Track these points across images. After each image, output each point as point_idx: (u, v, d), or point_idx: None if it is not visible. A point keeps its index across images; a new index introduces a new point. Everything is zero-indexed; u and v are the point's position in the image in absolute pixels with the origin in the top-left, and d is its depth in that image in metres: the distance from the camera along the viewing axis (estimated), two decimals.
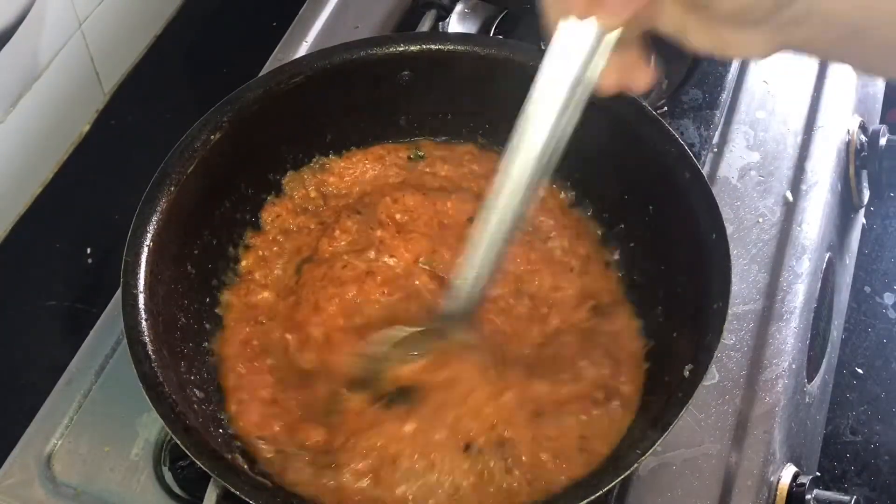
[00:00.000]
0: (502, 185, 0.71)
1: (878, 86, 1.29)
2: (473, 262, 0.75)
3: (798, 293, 0.98)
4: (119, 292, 0.81)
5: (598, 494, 0.73)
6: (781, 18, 0.60)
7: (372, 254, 0.92)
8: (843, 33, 0.61)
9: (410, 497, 0.80)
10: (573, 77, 0.64)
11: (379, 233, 0.93)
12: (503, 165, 0.70)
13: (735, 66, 1.13)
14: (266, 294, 0.93)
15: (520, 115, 0.68)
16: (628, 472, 0.74)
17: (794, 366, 0.94)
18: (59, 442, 0.90)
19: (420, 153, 1.01)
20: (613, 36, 0.62)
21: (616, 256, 0.94)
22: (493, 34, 1.14)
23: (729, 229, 0.83)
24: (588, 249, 0.95)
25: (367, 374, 0.84)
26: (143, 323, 0.79)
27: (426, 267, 0.92)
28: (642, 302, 0.90)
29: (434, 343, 0.83)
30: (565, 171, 0.95)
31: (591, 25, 0.62)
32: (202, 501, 0.77)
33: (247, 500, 0.72)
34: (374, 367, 0.84)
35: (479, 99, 0.97)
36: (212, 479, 0.77)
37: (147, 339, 0.79)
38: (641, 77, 0.65)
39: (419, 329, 0.84)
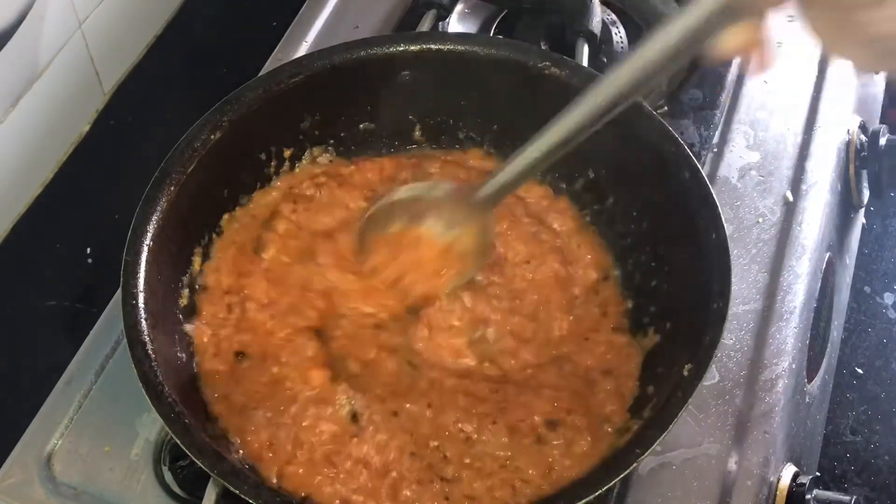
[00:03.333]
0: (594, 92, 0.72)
1: (879, 86, 1.29)
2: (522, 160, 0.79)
3: (798, 293, 0.98)
4: (119, 292, 0.81)
5: (597, 493, 0.73)
6: None
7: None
8: None
9: None
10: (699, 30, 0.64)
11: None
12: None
13: (735, 66, 1.13)
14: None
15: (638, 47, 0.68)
16: (628, 471, 0.74)
17: (794, 366, 0.94)
18: (59, 442, 0.90)
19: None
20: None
21: (616, 256, 0.94)
22: (493, 34, 1.14)
23: (729, 229, 0.83)
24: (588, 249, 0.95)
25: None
26: (143, 323, 0.79)
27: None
28: (642, 301, 0.90)
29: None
30: (565, 172, 0.95)
31: None
32: (202, 501, 0.77)
33: (247, 499, 0.72)
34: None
35: (479, 99, 0.97)
36: (211, 479, 0.77)
37: (147, 339, 0.79)
38: (763, 54, 0.65)
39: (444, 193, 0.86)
